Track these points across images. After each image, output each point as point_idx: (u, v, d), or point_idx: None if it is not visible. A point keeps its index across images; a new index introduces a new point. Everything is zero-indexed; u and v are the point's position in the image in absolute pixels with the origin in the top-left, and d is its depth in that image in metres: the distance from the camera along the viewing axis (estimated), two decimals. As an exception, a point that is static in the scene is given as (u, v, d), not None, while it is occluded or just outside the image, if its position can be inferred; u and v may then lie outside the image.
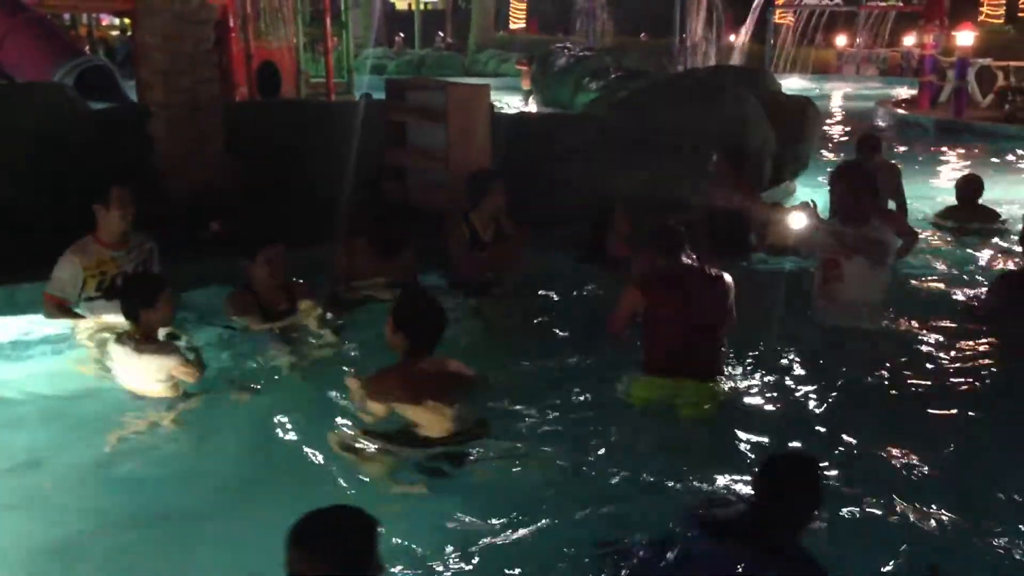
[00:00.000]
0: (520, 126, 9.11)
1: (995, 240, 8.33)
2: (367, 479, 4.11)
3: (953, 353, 5.71)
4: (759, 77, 12.30)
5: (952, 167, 13.38)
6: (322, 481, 4.11)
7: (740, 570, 3.25)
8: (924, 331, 6.03)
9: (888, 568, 3.58)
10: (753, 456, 4.40)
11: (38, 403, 4.92)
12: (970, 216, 8.73)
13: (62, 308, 5.53)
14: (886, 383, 5.32)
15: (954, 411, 5.02)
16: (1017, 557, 3.72)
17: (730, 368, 5.24)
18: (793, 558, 3.25)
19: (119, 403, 4.82)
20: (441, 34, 38.22)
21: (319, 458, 4.31)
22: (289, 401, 4.88)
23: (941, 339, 5.90)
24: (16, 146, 6.86)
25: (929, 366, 5.55)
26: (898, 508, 3.99)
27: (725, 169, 7.46)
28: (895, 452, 4.44)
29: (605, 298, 5.99)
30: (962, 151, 14.80)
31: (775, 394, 5.11)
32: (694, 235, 5.42)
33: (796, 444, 4.53)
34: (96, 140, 7.18)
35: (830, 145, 15.27)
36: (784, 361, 5.47)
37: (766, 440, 4.59)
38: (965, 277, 7.27)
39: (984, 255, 7.98)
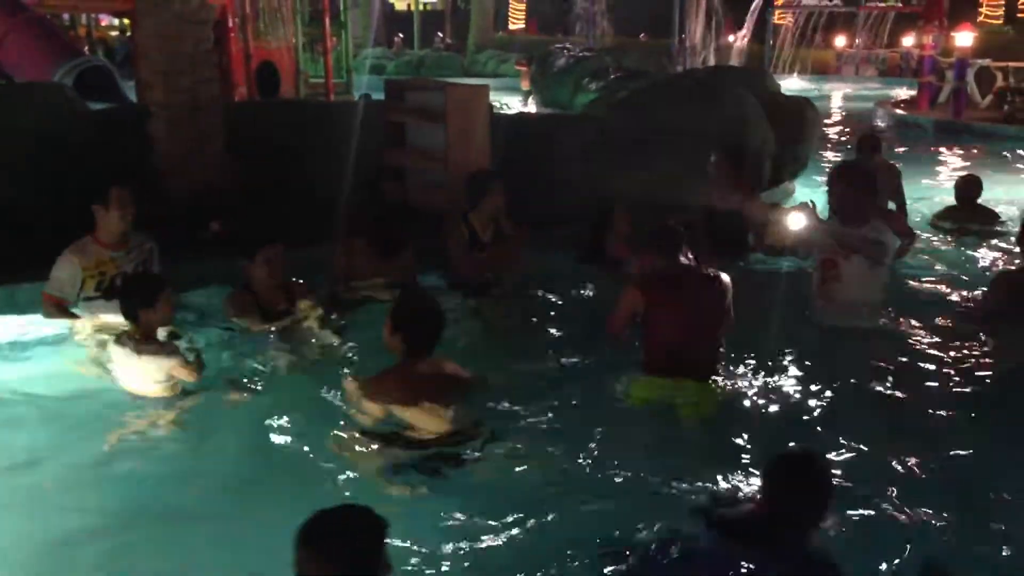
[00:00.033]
0: (519, 127, 9.11)
1: (994, 241, 8.34)
2: (366, 479, 4.11)
3: (952, 353, 5.71)
4: (758, 78, 12.29)
5: (951, 168, 13.38)
6: (321, 481, 4.11)
7: (746, 570, 3.25)
8: (923, 331, 6.03)
9: (888, 568, 3.58)
10: (753, 456, 4.40)
11: (38, 403, 4.92)
12: (969, 217, 8.74)
13: (60, 308, 5.53)
14: (885, 383, 5.32)
15: (953, 411, 5.02)
16: (1017, 557, 3.72)
17: (729, 368, 5.24)
18: (802, 558, 3.25)
19: (119, 403, 4.83)
20: (440, 34, 38.21)
21: (318, 458, 4.31)
22: (288, 401, 4.88)
23: (939, 340, 5.90)
24: (16, 146, 6.87)
25: (928, 366, 5.55)
26: (898, 508, 3.99)
27: (724, 169, 7.47)
28: (894, 452, 4.44)
29: (605, 298, 5.99)
30: (961, 152, 14.81)
31: (774, 394, 5.11)
32: (693, 235, 5.43)
33: (795, 444, 4.51)
34: (96, 140, 7.19)
35: (829, 146, 15.26)
36: (782, 361, 5.47)
37: (765, 440, 4.58)
38: (964, 278, 7.27)
39: (983, 256, 7.99)
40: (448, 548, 3.66)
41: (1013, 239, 7.24)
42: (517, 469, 4.26)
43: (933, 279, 7.22)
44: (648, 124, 8.76)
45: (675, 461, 4.33)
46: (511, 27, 37.67)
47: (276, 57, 14.62)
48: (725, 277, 5.04)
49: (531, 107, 18.62)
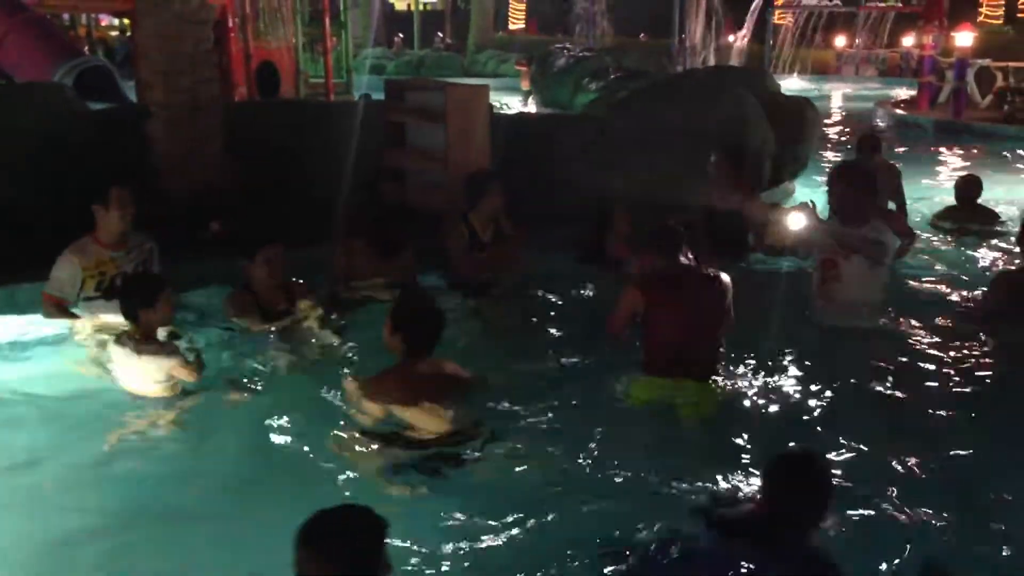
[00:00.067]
0: (519, 127, 9.11)
1: (994, 241, 8.34)
2: (365, 479, 4.11)
3: (951, 353, 5.71)
4: (758, 78, 12.28)
5: (951, 168, 13.38)
6: (321, 481, 4.11)
7: (747, 570, 3.25)
8: (923, 331, 6.03)
9: (888, 568, 3.58)
10: (752, 456, 4.40)
11: (38, 403, 4.92)
12: (969, 217, 8.74)
13: (60, 308, 5.53)
14: (884, 383, 5.32)
15: (953, 411, 5.02)
16: (1017, 557, 3.72)
17: (729, 368, 5.24)
18: (802, 558, 3.25)
19: (118, 403, 4.83)
20: (440, 34, 38.21)
21: (318, 458, 4.31)
22: (288, 401, 4.88)
23: (939, 339, 5.90)
24: (16, 146, 6.87)
25: (928, 366, 5.55)
26: (898, 508, 3.99)
27: (724, 169, 7.47)
28: (894, 452, 4.44)
29: (605, 298, 5.99)
30: (961, 152, 14.81)
31: (774, 394, 5.11)
32: (693, 235, 5.42)
33: (795, 444, 4.51)
34: (96, 140, 7.19)
35: (829, 146, 15.26)
36: (782, 361, 5.47)
37: (765, 440, 4.58)
38: (964, 278, 7.27)
39: (983, 256, 7.99)
40: (448, 548, 3.66)
41: (1013, 239, 7.24)
42: (517, 469, 4.26)
43: (933, 279, 7.22)
44: (648, 124, 8.77)
45: (675, 461, 4.33)
46: (511, 27, 37.65)
47: (276, 57, 14.62)
48: (725, 277, 5.04)
49: (531, 107, 18.62)
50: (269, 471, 4.33)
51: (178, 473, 4.31)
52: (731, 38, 29.46)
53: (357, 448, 4.27)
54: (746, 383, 5.18)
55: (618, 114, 9.56)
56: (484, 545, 3.71)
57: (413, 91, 8.21)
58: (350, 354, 5.48)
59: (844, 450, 4.50)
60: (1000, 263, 7.68)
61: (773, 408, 4.98)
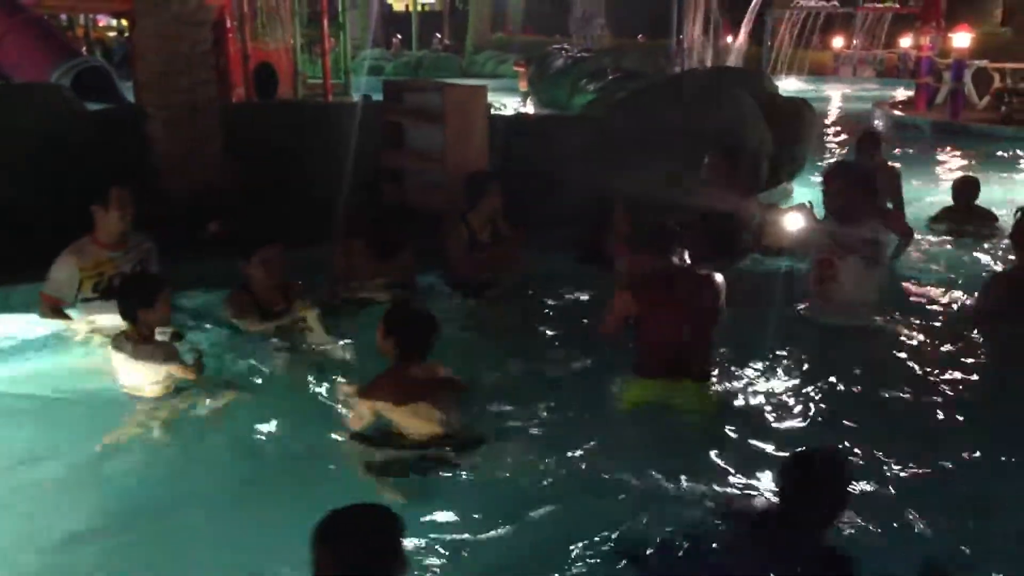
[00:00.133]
0: (517, 127, 9.12)
1: (991, 242, 8.35)
2: (361, 481, 4.12)
3: (949, 353, 5.72)
4: (756, 79, 12.30)
5: (948, 169, 13.38)
6: (319, 482, 4.12)
7: (764, 565, 3.25)
8: (919, 332, 6.04)
9: (888, 568, 3.59)
10: (750, 456, 4.42)
11: (36, 403, 4.92)
12: (966, 218, 8.75)
13: (56, 309, 5.55)
14: (882, 383, 5.33)
15: (952, 411, 5.03)
16: (1017, 557, 3.73)
17: (726, 368, 5.25)
18: (817, 554, 3.26)
19: (117, 403, 4.82)
20: (438, 35, 38.18)
21: (315, 459, 4.32)
22: (287, 402, 4.89)
23: (937, 340, 5.92)
24: (16, 146, 6.88)
25: (925, 366, 5.55)
26: (897, 508, 3.99)
27: (719, 170, 7.48)
28: (893, 452, 4.45)
29: (604, 299, 5.96)
30: (958, 153, 14.81)
31: (770, 394, 5.13)
32: (690, 236, 5.41)
33: (793, 444, 4.52)
34: (96, 140, 7.20)
35: (827, 147, 15.28)
36: (779, 361, 5.48)
37: (762, 440, 4.60)
38: (961, 278, 7.27)
39: (979, 256, 8.00)
40: (440, 550, 3.66)
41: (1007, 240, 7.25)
42: (513, 470, 4.26)
43: (930, 280, 7.22)
44: (646, 125, 8.78)
45: (672, 461, 4.32)
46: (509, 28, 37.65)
47: (274, 58, 14.63)
48: (718, 277, 5.00)
49: (529, 108, 18.63)
50: (267, 471, 4.34)
51: (175, 473, 4.32)
52: (729, 39, 29.47)
53: (353, 449, 4.28)
54: (742, 383, 5.19)
55: (616, 115, 9.57)
56: (478, 546, 3.71)
57: (411, 92, 8.22)
58: (348, 354, 5.48)
59: (841, 449, 4.51)
60: (997, 264, 7.69)
61: (769, 408, 4.99)
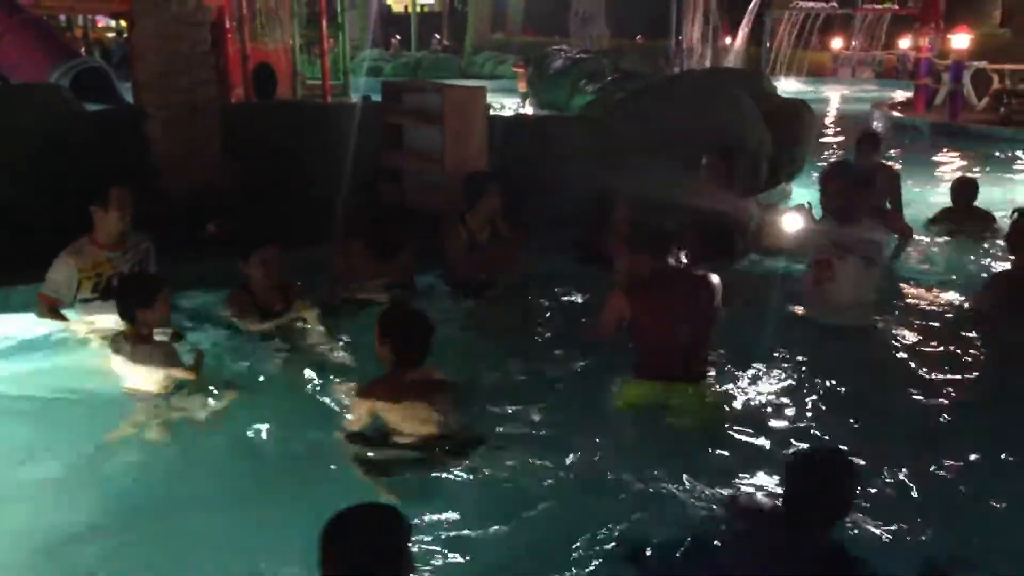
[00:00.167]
0: (516, 128, 9.12)
1: (989, 243, 8.36)
2: (359, 481, 4.12)
3: (947, 354, 5.73)
4: (755, 80, 12.31)
5: (947, 170, 13.40)
6: (320, 481, 4.13)
7: (768, 565, 3.25)
8: (917, 332, 6.05)
9: (889, 568, 3.59)
10: (748, 455, 4.43)
11: (35, 404, 4.92)
12: (964, 219, 8.75)
13: (53, 310, 5.55)
14: (880, 383, 5.35)
15: (951, 411, 5.04)
16: (1017, 557, 3.73)
17: (724, 369, 5.26)
18: (825, 553, 3.26)
19: (116, 403, 4.82)
20: (437, 36, 38.18)
21: (314, 459, 4.33)
22: (285, 402, 4.90)
23: (934, 340, 5.93)
24: (16, 146, 6.88)
25: (924, 367, 5.56)
26: (897, 508, 4.00)
27: (719, 171, 7.48)
28: (893, 452, 4.46)
29: (603, 300, 6.00)
30: (957, 154, 14.83)
31: (768, 395, 5.13)
32: (687, 237, 5.41)
33: (791, 444, 4.54)
34: (95, 141, 7.20)
35: (826, 148, 15.28)
36: (777, 361, 5.48)
37: (761, 440, 4.62)
38: (959, 279, 7.29)
39: (979, 257, 8.01)
40: (443, 549, 3.67)
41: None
42: (513, 470, 4.26)
43: (929, 280, 7.24)
44: (645, 126, 8.78)
45: (671, 461, 4.33)
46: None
47: (273, 59, 14.63)
48: (714, 278, 4.99)
49: (528, 109, 18.64)
50: (266, 471, 4.35)
51: (175, 473, 4.32)
52: (728, 40, 29.50)
53: (350, 450, 4.28)
54: (740, 384, 5.20)
55: (615, 116, 9.57)
56: (478, 546, 3.72)
57: (410, 93, 8.22)
58: (347, 354, 5.48)
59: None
60: (996, 264, 7.70)
61: (768, 409, 4.99)
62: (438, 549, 3.66)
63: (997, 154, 14.69)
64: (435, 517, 3.86)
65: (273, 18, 15.60)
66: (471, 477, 4.18)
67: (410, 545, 2.76)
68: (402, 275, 6.28)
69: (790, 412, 4.96)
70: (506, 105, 16.96)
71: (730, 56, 28.62)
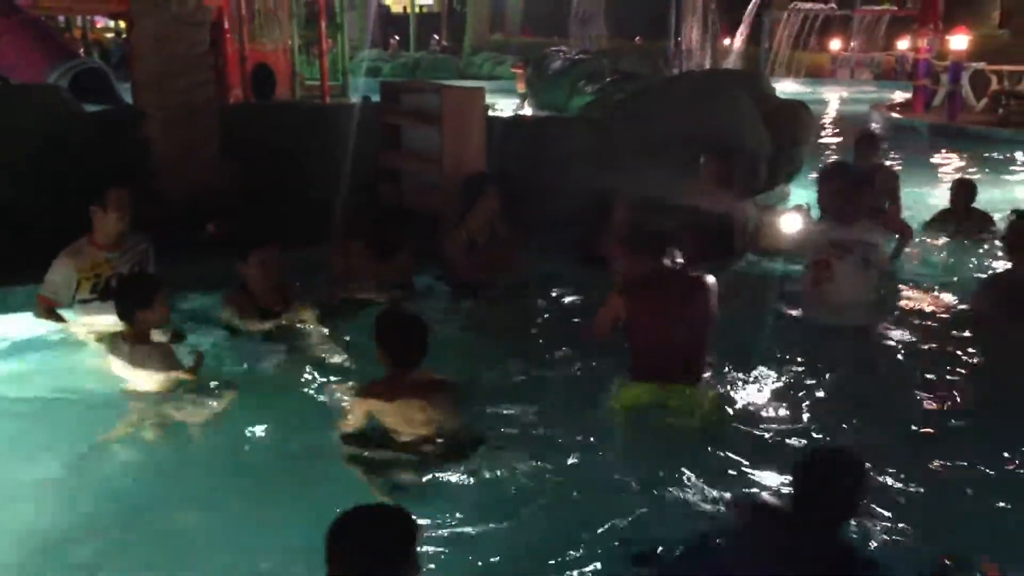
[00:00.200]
0: (515, 129, 9.12)
1: (988, 244, 8.36)
2: (356, 481, 4.12)
3: (945, 354, 5.73)
4: (754, 81, 12.31)
5: (946, 171, 13.41)
6: (319, 481, 4.13)
7: (771, 565, 3.25)
8: (916, 333, 6.06)
9: (889, 568, 3.59)
10: (748, 456, 4.42)
11: (34, 404, 4.93)
12: (963, 220, 8.75)
13: (51, 311, 5.55)
14: (878, 384, 5.35)
15: (950, 412, 5.05)
16: (1018, 558, 3.73)
17: (722, 369, 5.26)
18: (834, 553, 3.26)
19: (115, 404, 4.82)
20: (436, 37, 38.20)
21: (316, 459, 4.33)
22: (286, 402, 4.90)
23: (933, 341, 5.93)
24: (16, 146, 6.87)
25: (921, 367, 5.57)
26: (897, 508, 4.00)
27: (715, 171, 7.49)
28: (892, 453, 4.45)
29: (603, 300, 6.00)
30: (956, 155, 14.84)
31: (767, 395, 5.13)
32: (685, 238, 5.41)
33: (790, 445, 4.55)
34: (95, 141, 7.19)
35: (825, 149, 15.29)
36: (776, 362, 5.48)
37: (760, 441, 4.62)
38: (958, 280, 7.29)
39: (977, 258, 8.01)
40: (443, 549, 3.67)
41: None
42: (512, 470, 4.26)
43: (928, 281, 7.24)
44: (644, 127, 8.78)
45: (671, 462, 4.34)
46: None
47: (272, 59, 14.65)
48: (711, 279, 4.98)
49: (527, 110, 18.64)
50: (266, 471, 4.34)
51: (174, 473, 4.33)
52: (726, 41, 29.52)
53: (348, 450, 4.28)
54: (739, 384, 5.20)
55: (614, 117, 9.57)
56: (478, 546, 3.72)
57: (409, 93, 8.21)
58: (346, 355, 5.48)
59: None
60: (994, 265, 7.71)
61: (766, 409, 5.00)
62: (438, 549, 3.65)
63: (995, 155, 14.70)
64: (435, 517, 3.85)
65: (272, 18, 15.59)
66: (471, 477, 4.18)
67: (415, 547, 2.75)
68: (401, 276, 6.28)
69: (789, 413, 4.96)
70: (505, 106, 16.96)
71: (729, 57, 28.64)
